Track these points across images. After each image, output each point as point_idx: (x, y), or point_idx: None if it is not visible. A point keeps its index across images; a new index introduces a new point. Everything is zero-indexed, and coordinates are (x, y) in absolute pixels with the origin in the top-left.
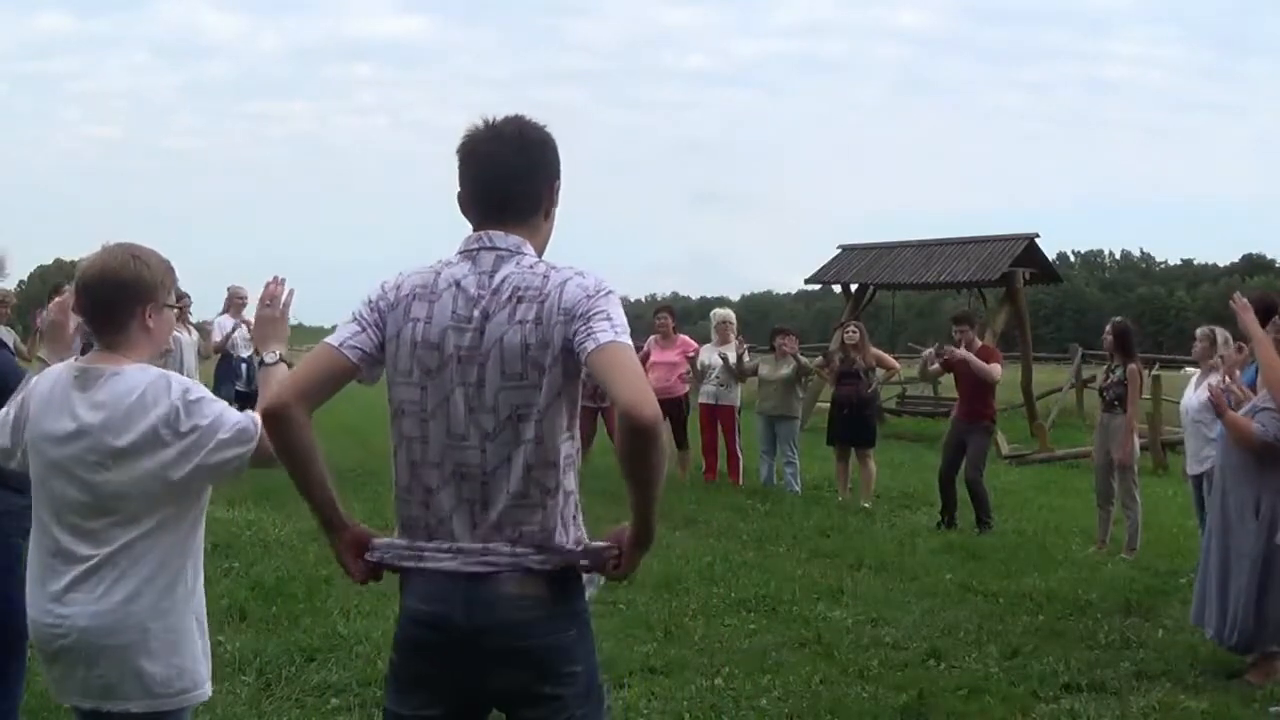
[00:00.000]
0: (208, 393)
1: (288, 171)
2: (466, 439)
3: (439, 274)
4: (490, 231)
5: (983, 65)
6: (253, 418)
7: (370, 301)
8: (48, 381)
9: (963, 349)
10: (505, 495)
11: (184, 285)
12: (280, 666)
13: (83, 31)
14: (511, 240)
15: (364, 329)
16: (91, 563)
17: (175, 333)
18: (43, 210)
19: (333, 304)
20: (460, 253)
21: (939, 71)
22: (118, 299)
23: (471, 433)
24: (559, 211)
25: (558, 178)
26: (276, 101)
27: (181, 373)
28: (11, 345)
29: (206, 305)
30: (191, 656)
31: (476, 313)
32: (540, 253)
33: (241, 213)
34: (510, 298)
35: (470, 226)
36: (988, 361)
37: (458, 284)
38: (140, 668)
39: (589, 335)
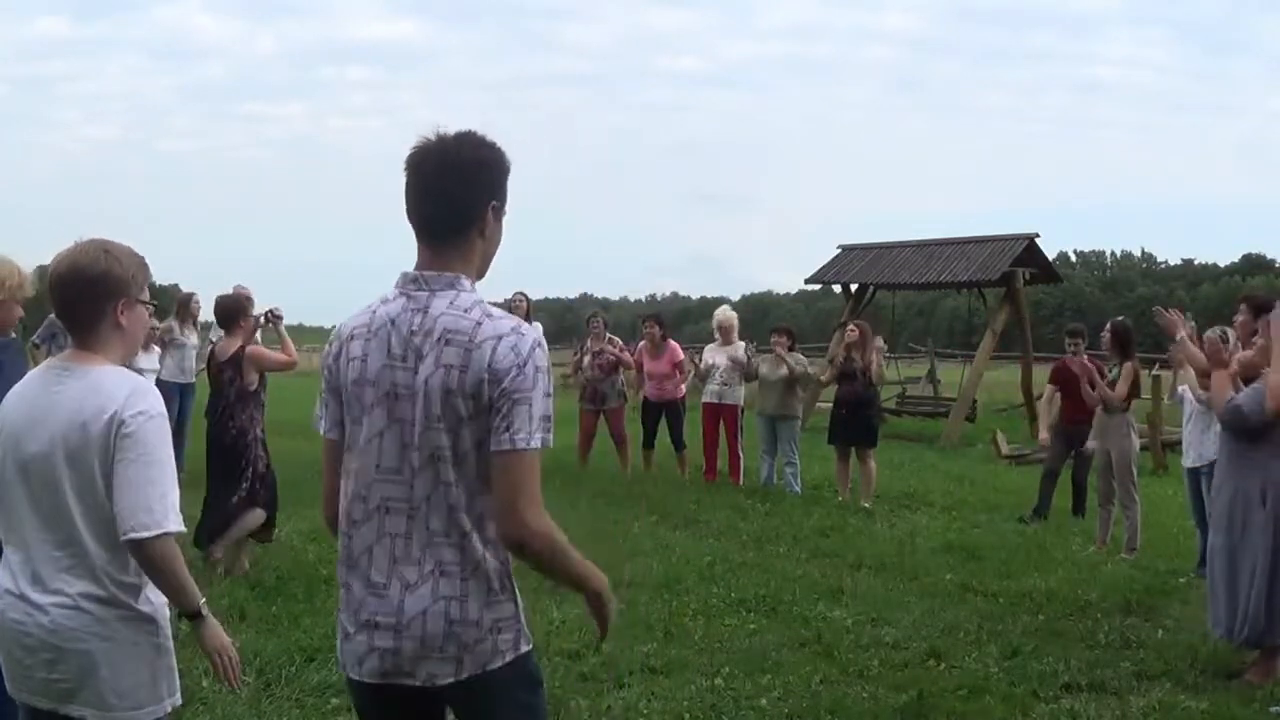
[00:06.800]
0: (162, 447)
1: (284, 173)
2: (400, 473)
3: (375, 312)
4: (425, 272)
5: (979, 66)
6: (171, 518)
7: (324, 367)
8: (23, 383)
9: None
10: (426, 532)
11: (182, 287)
12: (280, 666)
13: (79, 35)
14: (445, 278)
15: (328, 402)
16: (53, 568)
17: (182, 336)
18: (41, 210)
19: (330, 305)
20: (399, 290)
21: (933, 72)
22: (89, 295)
23: (404, 468)
24: (562, 211)
25: (495, 198)
26: (272, 104)
27: (182, 374)
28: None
29: (204, 306)
30: (151, 671)
31: (410, 351)
32: (483, 268)
33: (239, 213)
34: (439, 339)
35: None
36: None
37: (392, 322)
38: (100, 676)
39: (505, 427)
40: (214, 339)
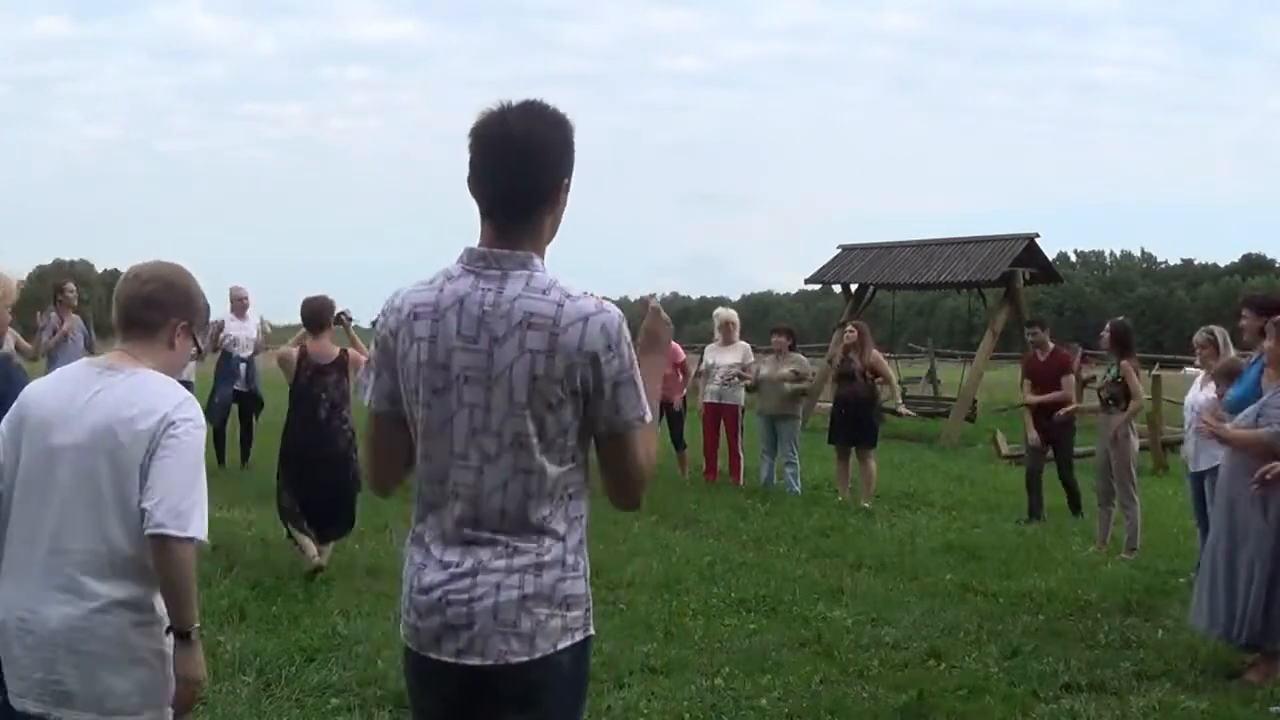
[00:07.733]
0: (201, 460)
1: (284, 173)
2: (466, 459)
3: (441, 290)
4: (494, 250)
5: (979, 66)
6: (201, 527)
7: (377, 340)
8: (59, 375)
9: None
10: (498, 518)
11: None
12: (280, 666)
13: (79, 35)
14: (518, 256)
15: (379, 374)
16: (70, 565)
17: None
18: (41, 210)
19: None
20: (465, 267)
21: (933, 72)
22: (162, 301)
23: (471, 454)
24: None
25: (567, 176)
26: (272, 104)
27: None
28: (13, 344)
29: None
30: (154, 677)
31: (484, 333)
32: (552, 235)
33: (238, 214)
34: (520, 323)
35: (478, 209)
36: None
37: (461, 302)
38: (102, 678)
39: (615, 410)
40: (228, 339)
